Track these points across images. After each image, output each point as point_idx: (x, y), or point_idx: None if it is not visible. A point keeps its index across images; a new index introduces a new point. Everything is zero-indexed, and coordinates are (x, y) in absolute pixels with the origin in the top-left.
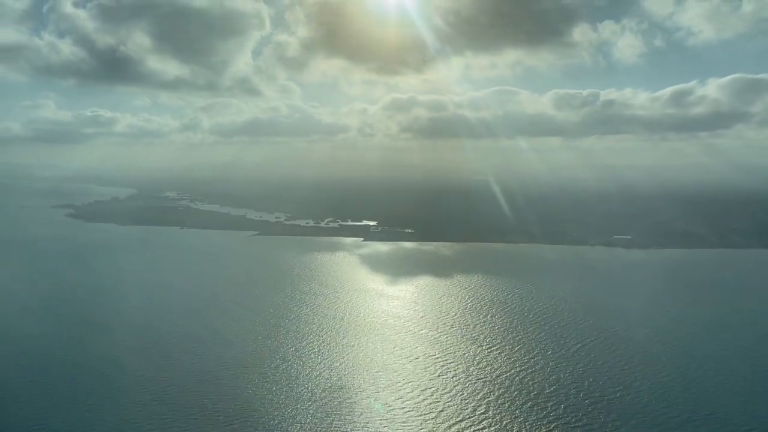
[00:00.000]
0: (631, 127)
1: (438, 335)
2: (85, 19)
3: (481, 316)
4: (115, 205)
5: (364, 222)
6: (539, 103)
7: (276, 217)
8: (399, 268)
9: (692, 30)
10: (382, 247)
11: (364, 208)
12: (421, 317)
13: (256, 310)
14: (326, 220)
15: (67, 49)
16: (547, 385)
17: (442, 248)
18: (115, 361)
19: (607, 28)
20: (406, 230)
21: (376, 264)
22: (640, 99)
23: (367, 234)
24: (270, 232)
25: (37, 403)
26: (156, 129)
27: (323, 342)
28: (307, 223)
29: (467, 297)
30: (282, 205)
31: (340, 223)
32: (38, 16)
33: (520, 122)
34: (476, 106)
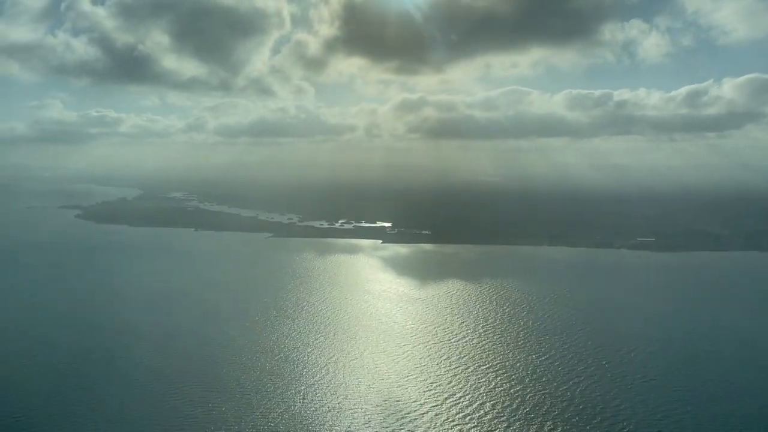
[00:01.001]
0: (640, 127)
1: (483, 343)
2: (103, 17)
3: (522, 322)
4: (124, 206)
5: (379, 223)
6: (551, 104)
7: (288, 219)
8: (426, 272)
9: (725, 29)
10: (402, 249)
11: (374, 209)
12: (461, 323)
13: (291, 317)
14: (340, 222)
15: (82, 48)
16: (610, 398)
17: (464, 251)
18: (157, 372)
19: (635, 26)
20: (423, 232)
21: (401, 267)
22: (653, 99)
23: (384, 236)
24: (285, 233)
25: (69, 412)
26: (161, 129)
27: (366, 351)
28: (321, 224)
29: (504, 302)
30: (291, 206)
31: (355, 224)
32: (56, 14)
33: (530, 123)
34: (487, 106)
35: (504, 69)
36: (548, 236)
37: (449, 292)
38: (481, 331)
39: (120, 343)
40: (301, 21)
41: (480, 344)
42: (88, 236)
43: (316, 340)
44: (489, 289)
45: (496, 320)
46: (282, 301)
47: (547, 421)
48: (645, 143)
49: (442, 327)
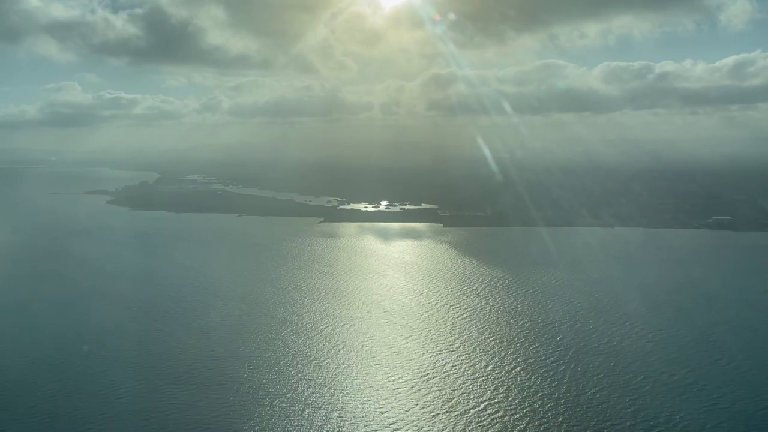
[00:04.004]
0: (668, 101)
1: (651, 344)
2: None
3: (672, 314)
4: (149, 191)
5: (424, 205)
6: (586, 78)
7: (328, 201)
8: (517, 259)
9: None
10: (466, 233)
11: (409, 190)
12: (604, 321)
13: (426, 316)
14: (384, 204)
15: (126, 25)
16: None
17: (533, 234)
18: (275, 372)
19: None
20: (478, 214)
21: (487, 255)
22: (697, 71)
23: (440, 218)
24: (335, 218)
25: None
26: (174, 111)
27: (537, 361)
28: (365, 207)
29: (633, 294)
30: (325, 189)
31: (400, 207)
32: None
33: (555, 98)
34: (520, 81)
35: (571, 40)
36: (613, 216)
37: (559, 281)
38: (634, 329)
39: (246, 349)
40: None
41: (647, 346)
42: (132, 224)
43: (469, 345)
44: (602, 279)
45: (639, 317)
46: (396, 295)
47: None
48: (664, 117)
49: (585, 324)
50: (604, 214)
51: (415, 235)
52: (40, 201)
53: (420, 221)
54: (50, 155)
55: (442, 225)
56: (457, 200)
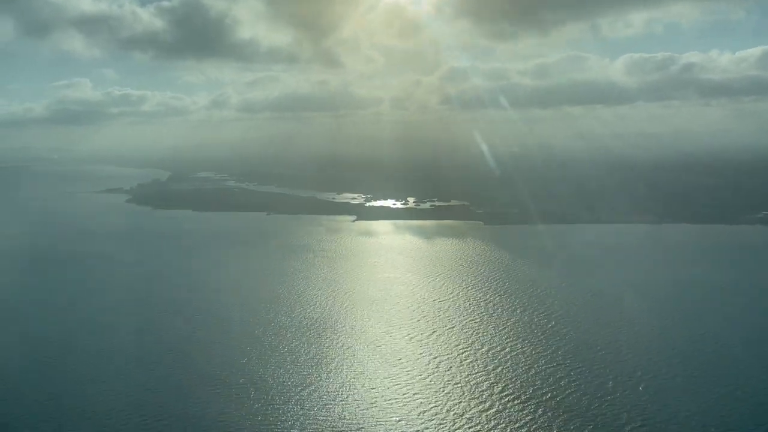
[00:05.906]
0: (686, 92)
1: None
2: None
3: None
4: (164, 189)
5: (453, 202)
6: (608, 70)
7: (353, 198)
8: (573, 259)
9: None
10: (510, 231)
11: (432, 186)
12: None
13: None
14: (412, 201)
15: (153, 20)
16: None
17: (580, 231)
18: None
19: None
20: (513, 211)
21: (542, 254)
22: (722, 61)
23: (478, 216)
24: (368, 216)
25: None
26: (182, 107)
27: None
28: (393, 204)
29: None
30: (340, 185)
31: (430, 203)
32: None
33: (570, 90)
34: (540, 73)
35: (614, 30)
36: (657, 212)
37: (636, 283)
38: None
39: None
40: None
41: None
42: (161, 225)
43: (575, 356)
44: (683, 281)
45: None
46: (470, 302)
47: None
48: (676, 109)
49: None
50: (646, 210)
51: (458, 234)
52: (57, 201)
53: (457, 219)
54: (53, 153)
55: (482, 223)
56: (485, 196)
